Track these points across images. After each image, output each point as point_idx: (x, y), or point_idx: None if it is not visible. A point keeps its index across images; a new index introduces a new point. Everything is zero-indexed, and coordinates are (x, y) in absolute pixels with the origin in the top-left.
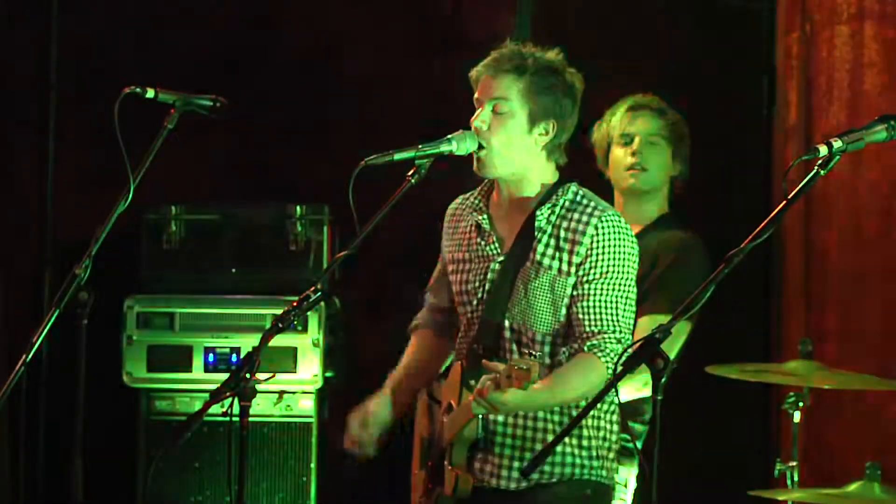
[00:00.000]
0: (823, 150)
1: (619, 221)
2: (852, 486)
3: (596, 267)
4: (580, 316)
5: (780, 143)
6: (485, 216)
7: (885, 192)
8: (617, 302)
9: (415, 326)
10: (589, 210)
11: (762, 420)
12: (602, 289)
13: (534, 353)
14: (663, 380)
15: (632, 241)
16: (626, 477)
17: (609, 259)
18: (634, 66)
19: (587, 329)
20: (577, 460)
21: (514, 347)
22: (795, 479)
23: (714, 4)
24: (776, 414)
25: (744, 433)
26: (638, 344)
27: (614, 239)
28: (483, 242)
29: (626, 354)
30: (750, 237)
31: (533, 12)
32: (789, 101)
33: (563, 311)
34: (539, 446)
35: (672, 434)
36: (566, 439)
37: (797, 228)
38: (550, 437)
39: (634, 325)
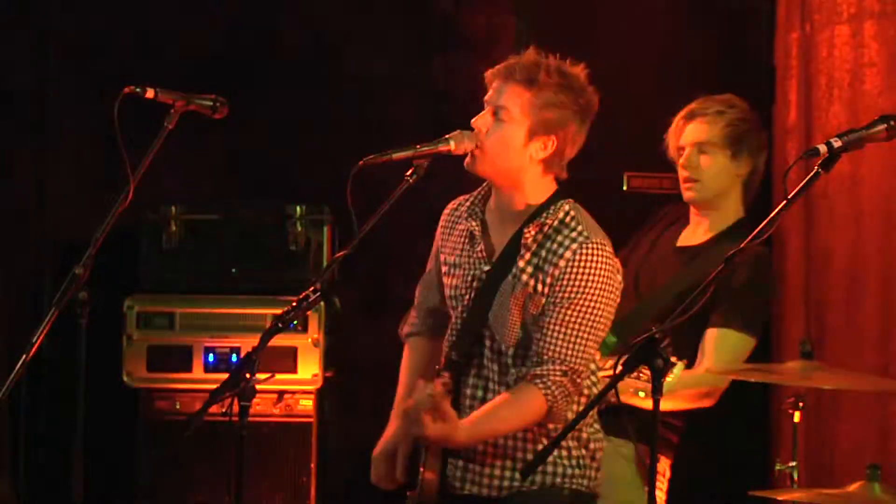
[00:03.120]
0: (823, 150)
1: (602, 249)
2: (852, 486)
3: (564, 290)
4: (537, 336)
5: (780, 143)
6: (478, 223)
7: (886, 191)
8: (578, 331)
9: (408, 334)
10: (573, 235)
11: (762, 420)
12: (565, 314)
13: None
14: (663, 380)
15: (609, 272)
16: (663, 467)
17: (579, 285)
18: (634, 65)
19: (539, 352)
20: (559, 469)
21: (491, 360)
22: (795, 479)
23: (714, 4)
24: (776, 414)
25: (744, 433)
26: (638, 344)
27: (590, 266)
28: (472, 250)
29: (625, 355)
30: (750, 237)
31: (533, 12)
32: (789, 101)
33: (532, 328)
34: (520, 454)
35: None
36: (541, 446)
37: (797, 228)
38: (531, 445)
39: (702, 338)
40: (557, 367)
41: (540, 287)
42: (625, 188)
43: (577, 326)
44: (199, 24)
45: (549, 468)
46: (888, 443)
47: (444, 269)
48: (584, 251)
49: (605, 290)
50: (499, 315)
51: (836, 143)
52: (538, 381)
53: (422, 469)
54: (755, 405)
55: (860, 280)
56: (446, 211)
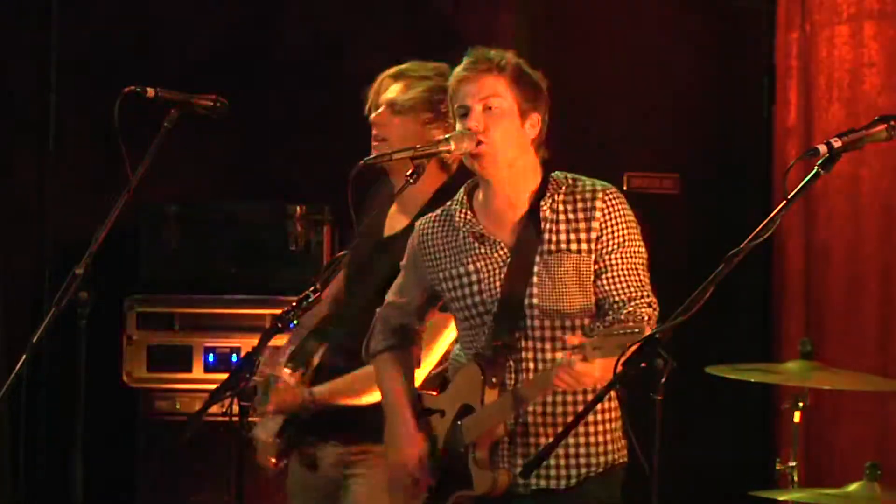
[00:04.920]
0: (823, 150)
1: (620, 194)
2: (852, 486)
3: (613, 239)
4: (607, 288)
5: (780, 143)
6: (481, 227)
7: (885, 191)
8: (637, 268)
9: (378, 350)
10: (589, 187)
11: (762, 420)
12: (622, 258)
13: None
14: (663, 380)
15: (632, 212)
16: None
17: (623, 229)
18: (634, 65)
19: (617, 298)
20: (611, 446)
21: (544, 339)
22: (795, 479)
23: (714, 4)
24: (776, 414)
25: (744, 433)
26: (637, 344)
27: (622, 210)
28: (488, 250)
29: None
30: (750, 237)
31: (532, 12)
32: (789, 101)
33: (590, 288)
34: (581, 439)
35: (672, 434)
36: (600, 426)
37: (797, 228)
38: (590, 429)
39: None
40: (641, 301)
41: (584, 246)
42: (625, 188)
43: (636, 264)
44: (199, 24)
45: (609, 446)
46: (888, 443)
47: (446, 284)
48: (611, 198)
49: (637, 227)
50: (551, 294)
51: (836, 143)
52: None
53: (475, 466)
54: (755, 405)
55: (860, 280)
56: (421, 231)
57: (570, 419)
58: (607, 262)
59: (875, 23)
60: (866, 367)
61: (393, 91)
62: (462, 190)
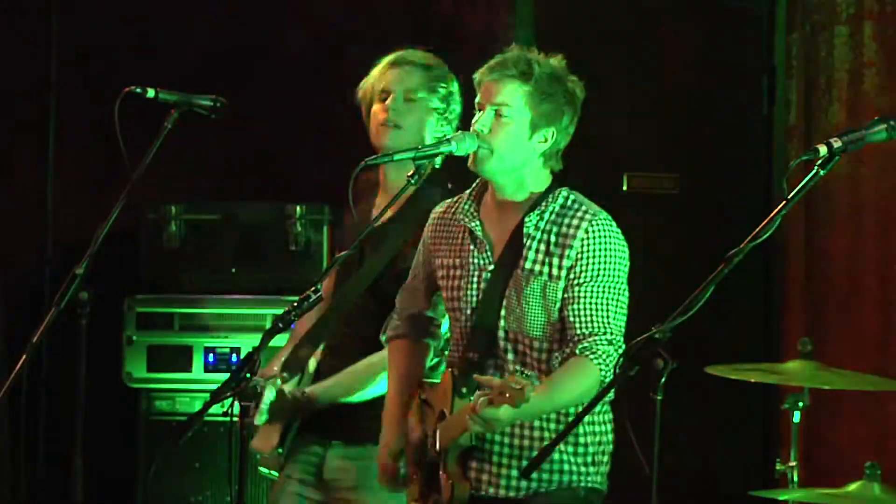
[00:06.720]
0: (823, 150)
1: (610, 224)
2: (852, 486)
3: (586, 270)
4: (571, 319)
5: (780, 143)
6: (477, 223)
7: (885, 191)
8: (608, 304)
9: (390, 337)
10: (580, 214)
11: (762, 420)
12: (592, 291)
13: (527, 371)
14: (663, 380)
15: (622, 245)
16: None
17: (599, 262)
18: (634, 65)
19: (578, 332)
20: (574, 467)
21: (511, 355)
22: (795, 479)
23: (714, 4)
24: (776, 414)
25: (744, 433)
26: (637, 344)
27: (604, 242)
28: (476, 250)
29: (623, 356)
30: (750, 237)
31: (532, 12)
32: (789, 101)
33: (556, 315)
34: (536, 454)
35: (672, 434)
36: (562, 446)
37: (797, 228)
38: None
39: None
40: (602, 337)
41: (555, 272)
42: (625, 188)
43: (607, 300)
44: (199, 24)
45: (566, 467)
46: (887, 443)
47: (439, 272)
48: (595, 228)
49: (621, 263)
50: (516, 311)
51: (836, 144)
52: (587, 353)
53: (444, 475)
54: (755, 405)
55: (860, 280)
56: (434, 216)
57: (535, 435)
58: (576, 293)
59: (875, 23)
60: (866, 367)
61: (406, 79)
62: (476, 182)
